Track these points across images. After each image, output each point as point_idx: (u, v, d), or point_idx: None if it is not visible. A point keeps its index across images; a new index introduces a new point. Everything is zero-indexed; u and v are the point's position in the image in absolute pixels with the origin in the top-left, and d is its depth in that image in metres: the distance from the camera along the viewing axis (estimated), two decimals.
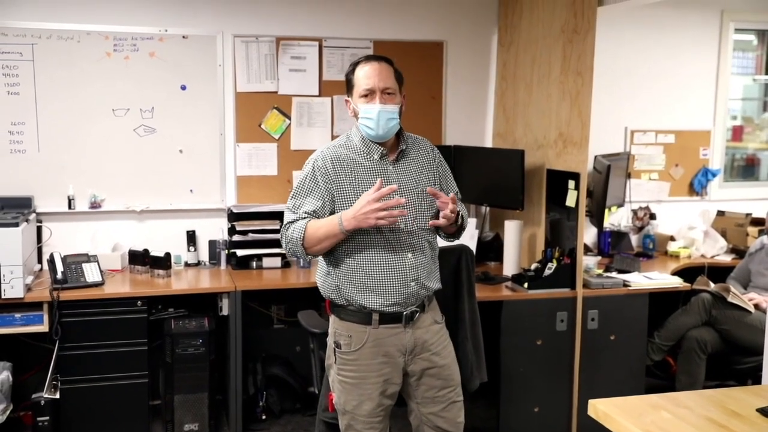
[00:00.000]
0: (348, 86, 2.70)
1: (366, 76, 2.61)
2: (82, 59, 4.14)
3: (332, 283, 2.68)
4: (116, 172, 4.26)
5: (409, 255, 2.64)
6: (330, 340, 2.75)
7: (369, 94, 2.61)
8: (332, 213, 2.63)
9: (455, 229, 2.77)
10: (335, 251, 2.65)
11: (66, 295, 3.63)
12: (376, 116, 2.59)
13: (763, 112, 5.89)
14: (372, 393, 2.65)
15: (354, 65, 2.68)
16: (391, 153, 2.69)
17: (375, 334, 2.64)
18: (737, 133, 5.74)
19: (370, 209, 2.48)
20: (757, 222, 4.97)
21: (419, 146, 2.78)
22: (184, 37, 4.29)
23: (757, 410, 1.97)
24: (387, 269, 2.61)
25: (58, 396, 3.67)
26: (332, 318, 2.75)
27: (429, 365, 2.72)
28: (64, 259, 3.82)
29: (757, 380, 2.58)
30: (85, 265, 3.85)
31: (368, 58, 2.66)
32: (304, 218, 2.61)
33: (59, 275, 3.71)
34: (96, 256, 3.96)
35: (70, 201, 4.17)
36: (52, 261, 3.79)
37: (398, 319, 2.64)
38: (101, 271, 3.88)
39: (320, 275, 2.76)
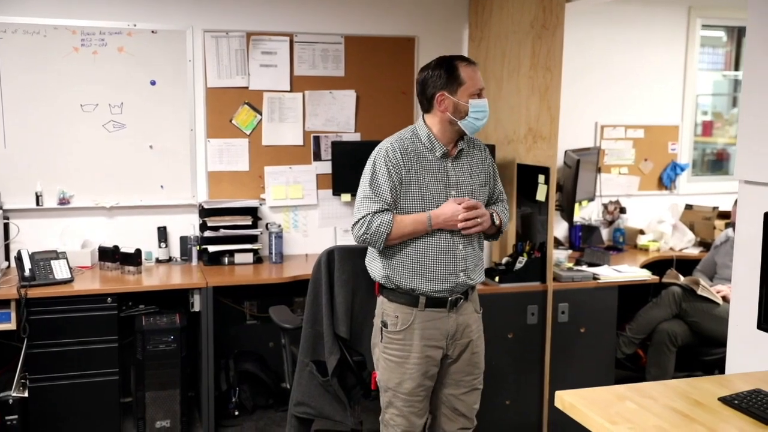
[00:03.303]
0: (449, 83, 2.76)
1: (477, 77, 2.79)
2: (49, 54, 4.09)
3: (382, 271, 2.82)
4: (85, 168, 4.22)
5: (460, 247, 2.81)
6: (377, 320, 2.89)
7: (480, 93, 2.79)
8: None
9: (495, 230, 2.94)
10: None
11: (34, 293, 3.59)
12: (488, 110, 2.80)
13: (733, 107, 5.98)
14: (414, 373, 2.79)
15: (454, 63, 2.77)
16: (451, 151, 2.84)
17: (421, 317, 2.79)
18: (707, 128, 5.82)
19: (457, 218, 2.74)
20: (724, 215, 5.05)
21: (475, 146, 2.95)
22: (153, 31, 4.25)
23: (719, 399, 2.00)
24: (439, 258, 2.78)
25: (26, 395, 3.63)
26: (380, 299, 2.87)
27: (466, 349, 2.88)
28: (32, 256, 3.78)
29: (724, 371, 2.63)
30: (53, 262, 3.81)
31: (467, 60, 2.82)
32: (385, 210, 2.73)
33: (27, 272, 3.67)
34: (65, 252, 3.92)
35: (38, 197, 4.12)
36: (19, 258, 3.74)
37: (443, 304, 2.80)
38: (70, 268, 3.84)
39: (370, 260, 2.92)
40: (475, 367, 2.93)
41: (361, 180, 2.82)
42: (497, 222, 2.91)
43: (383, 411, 2.90)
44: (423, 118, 2.86)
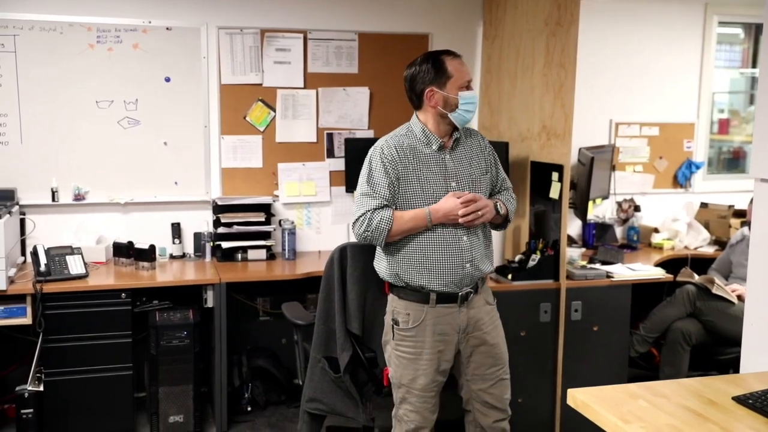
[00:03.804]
0: (437, 77, 2.80)
1: (464, 70, 2.84)
2: (65, 51, 4.12)
3: (391, 270, 2.85)
4: (100, 165, 4.25)
5: (464, 238, 2.82)
6: (388, 318, 2.91)
7: (468, 85, 2.84)
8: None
9: (501, 220, 2.97)
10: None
11: (49, 288, 3.62)
12: (478, 102, 2.87)
13: (750, 105, 5.92)
14: (427, 368, 2.82)
15: (440, 58, 2.82)
16: (447, 143, 2.87)
17: (432, 313, 2.81)
18: (724, 126, 5.77)
19: (457, 212, 2.75)
20: (739, 214, 5.01)
21: (471, 135, 2.98)
22: (168, 28, 4.27)
23: (733, 398, 1.99)
24: (444, 251, 2.79)
25: (41, 388, 3.66)
26: (391, 297, 2.90)
27: (480, 343, 2.89)
28: (47, 251, 3.80)
29: (739, 370, 2.61)
30: (68, 258, 3.84)
31: (453, 53, 2.85)
32: (384, 207, 2.76)
33: (42, 267, 3.70)
34: (80, 248, 3.95)
35: (53, 193, 4.16)
36: (35, 253, 3.77)
37: (454, 299, 2.82)
38: (85, 264, 3.87)
39: (377, 260, 2.94)
40: (497, 359, 2.93)
41: (359, 179, 2.85)
42: (502, 211, 2.93)
43: (396, 407, 2.90)
44: (416, 115, 2.89)
